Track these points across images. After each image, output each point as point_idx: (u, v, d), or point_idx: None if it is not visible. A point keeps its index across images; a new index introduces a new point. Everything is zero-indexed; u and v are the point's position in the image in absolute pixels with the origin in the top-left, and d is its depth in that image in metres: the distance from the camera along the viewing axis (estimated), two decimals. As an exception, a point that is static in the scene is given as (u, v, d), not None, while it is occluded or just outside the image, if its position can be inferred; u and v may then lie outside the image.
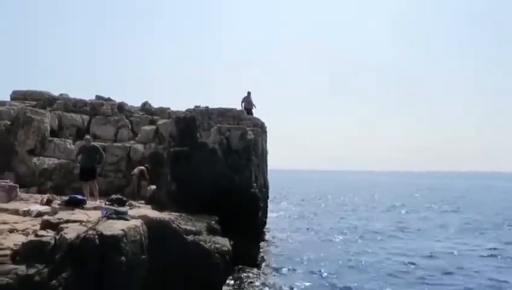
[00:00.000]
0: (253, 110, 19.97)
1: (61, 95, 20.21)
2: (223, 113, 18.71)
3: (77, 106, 18.83)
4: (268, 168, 20.02)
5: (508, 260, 14.81)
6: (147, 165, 15.22)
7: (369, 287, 11.40)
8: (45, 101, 19.12)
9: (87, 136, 12.99)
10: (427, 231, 21.36)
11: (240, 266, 11.88)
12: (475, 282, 12.02)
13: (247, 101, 19.92)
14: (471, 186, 76.80)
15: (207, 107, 19.52)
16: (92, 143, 12.64)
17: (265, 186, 18.69)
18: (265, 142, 19.17)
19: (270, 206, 20.89)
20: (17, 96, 19.78)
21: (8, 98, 19.59)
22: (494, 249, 16.59)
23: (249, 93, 20.08)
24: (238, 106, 19.79)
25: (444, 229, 22.24)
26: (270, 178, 20.74)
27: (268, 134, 19.89)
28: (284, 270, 12.88)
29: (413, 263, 13.98)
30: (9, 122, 15.73)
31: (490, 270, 13.36)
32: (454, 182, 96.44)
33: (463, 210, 32.45)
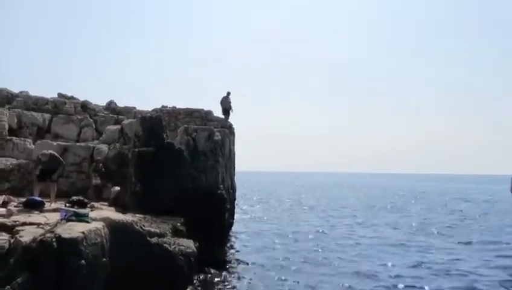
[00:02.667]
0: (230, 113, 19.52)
1: (21, 92, 19.42)
2: (191, 114, 18.55)
3: (38, 104, 18.18)
4: (244, 170, 19.99)
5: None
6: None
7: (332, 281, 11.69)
8: (3, 98, 18.33)
9: (44, 152, 11.70)
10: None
11: (205, 268, 11.76)
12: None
13: (226, 102, 19.50)
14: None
15: (174, 107, 19.29)
16: (50, 152, 11.66)
17: (233, 188, 18.64)
18: (233, 143, 19.12)
19: (242, 208, 20.97)
20: (-27, 93, 18.89)
21: (-37, 95, 18.68)
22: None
23: (228, 93, 19.54)
24: (205, 106, 19.55)
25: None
26: (243, 180, 20.78)
27: (236, 135, 19.85)
28: (250, 272, 12.86)
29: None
30: (-36, 120, 15.00)
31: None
32: (418, 185, 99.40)
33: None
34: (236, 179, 19.88)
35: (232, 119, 19.54)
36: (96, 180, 14.61)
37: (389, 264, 14.27)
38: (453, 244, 18.58)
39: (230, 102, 19.44)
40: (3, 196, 11.56)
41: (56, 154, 11.86)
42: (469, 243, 18.81)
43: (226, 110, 19.34)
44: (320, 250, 16.61)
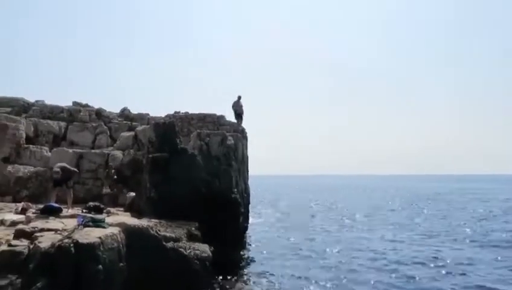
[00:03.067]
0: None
1: (36, 101, 19.82)
2: (203, 119, 18.65)
3: (54, 112, 18.50)
4: (251, 173, 19.96)
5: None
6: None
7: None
8: (20, 107, 18.74)
9: (56, 169, 11.66)
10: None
11: (220, 273, 11.78)
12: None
13: (238, 106, 19.66)
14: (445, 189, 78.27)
15: (187, 112, 19.43)
16: (60, 167, 11.69)
17: (246, 192, 18.65)
18: (246, 147, 19.16)
19: (252, 211, 20.71)
20: (-10, 103, 19.33)
21: (-19, 105, 19.12)
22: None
23: (239, 97, 19.67)
24: (217, 111, 19.68)
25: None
26: (252, 184, 20.69)
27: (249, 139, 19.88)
28: (265, 276, 12.82)
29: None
30: (-18, 130, 15.33)
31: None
32: (433, 185, 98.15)
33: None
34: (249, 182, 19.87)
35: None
36: (106, 189, 14.74)
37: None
38: None
39: (241, 106, 19.57)
40: (22, 203, 11.80)
41: (67, 166, 12.00)
42: None
43: (239, 114, 19.46)
44: (344, 260, 15.00)
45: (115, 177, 14.83)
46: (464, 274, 13.12)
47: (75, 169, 12.40)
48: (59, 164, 12.03)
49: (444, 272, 13.37)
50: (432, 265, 14.31)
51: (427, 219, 28.05)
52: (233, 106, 19.59)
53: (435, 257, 15.41)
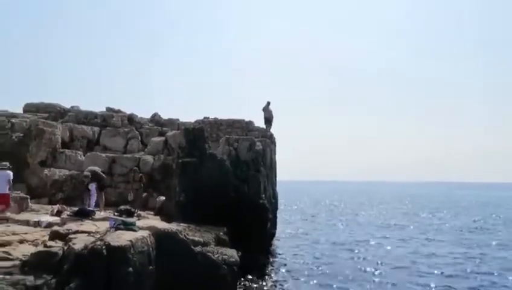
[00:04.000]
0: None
1: (72, 107, 20.54)
2: (232, 124, 18.79)
3: (88, 118, 19.10)
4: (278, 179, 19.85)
5: None
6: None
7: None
8: (57, 113, 19.46)
9: (86, 173, 12.07)
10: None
11: (248, 278, 11.80)
12: None
13: (268, 111, 19.63)
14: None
15: (216, 118, 19.63)
16: (90, 171, 12.17)
17: (274, 197, 18.61)
18: (274, 153, 19.15)
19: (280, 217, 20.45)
20: (29, 108, 20.16)
21: (20, 111, 19.96)
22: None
23: (268, 103, 19.67)
24: (246, 116, 19.77)
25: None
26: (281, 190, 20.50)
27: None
28: (292, 282, 12.76)
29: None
30: (21, 134, 15.99)
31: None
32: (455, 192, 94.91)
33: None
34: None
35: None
36: (131, 197, 14.87)
37: None
38: None
39: (271, 111, 19.58)
40: (57, 205, 12.22)
41: (96, 169, 12.40)
42: None
43: (268, 119, 19.48)
44: (370, 268, 14.82)
45: (142, 182, 15.09)
46: None
47: (103, 174, 12.74)
48: (90, 168, 12.43)
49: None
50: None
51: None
52: (263, 110, 19.58)
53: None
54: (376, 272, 14.09)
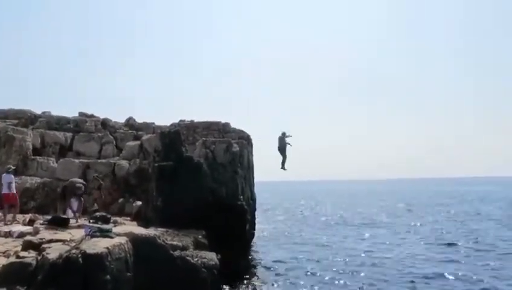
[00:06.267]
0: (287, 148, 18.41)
1: (43, 112, 19.99)
2: (208, 127, 18.68)
3: (60, 123, 18.65)
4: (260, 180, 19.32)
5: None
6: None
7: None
8: (27, 119, 18.90)
9: (79, 185, 12.55)
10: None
11: (227, 280, 11.73)
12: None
13: (283, 141, 17.69)
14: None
15: (192, 121, 19.49)
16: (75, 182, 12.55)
17: (253, 198, 18.61)
18: (251, 154, 19.13)
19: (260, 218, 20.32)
20: (-2, 115, 19.50)
21: (-12, 118, 19.31)
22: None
23: (283, 133, 17.73)
24: (222, 119, 19.45)
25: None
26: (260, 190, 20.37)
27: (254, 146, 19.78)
28: (272, 283, 12.77)
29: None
30: (-10, 142, 15.48)
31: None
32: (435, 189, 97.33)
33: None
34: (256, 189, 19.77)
35: (247, 128, 19.11)
36: (94, 207, 14.42)
37: None
38: None
39: (285, 141, 17.78)
40: (29, 214, 11.89)
41: (77, 181, 12.38)
42: None
43: (282, 149, 17.74)
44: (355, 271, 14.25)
45: (102, 183, 14.54)
46: None
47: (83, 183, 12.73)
48: (78, 180, 12.38)
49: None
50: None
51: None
52: (279, 140, 18.09)
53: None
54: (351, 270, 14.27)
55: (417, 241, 20.47)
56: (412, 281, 12.74)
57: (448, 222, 28.64)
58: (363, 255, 17.00)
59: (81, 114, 20.27)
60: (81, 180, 12.69)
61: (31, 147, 16.24)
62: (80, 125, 18.80)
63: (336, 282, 12.85)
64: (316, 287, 12.24)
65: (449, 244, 19.28)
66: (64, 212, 11.84)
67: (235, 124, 19.60)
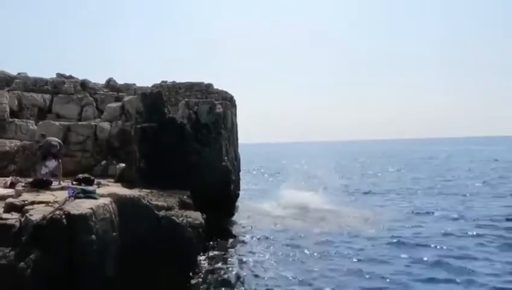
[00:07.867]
0: None
1: (19, 74, 19.32)
2: (191, 88, 18.43)
3: (37, 85, 18.10)
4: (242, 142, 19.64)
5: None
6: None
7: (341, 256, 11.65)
8: (2, 81, 18.28)
9: (54, 143, 11.48)
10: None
11: (213, 239, 11.94)
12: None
13: None
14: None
15: (174, 81, 19.16)
16: (50, 140, 11.51)
17: (237, 159, 18.70)
18: (235, 115, 19.04)
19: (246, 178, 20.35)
20: (-29, 77, 18.80)
21: (-39, 80, 18.60)
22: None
23: None
24: (205, 80, 19.24)
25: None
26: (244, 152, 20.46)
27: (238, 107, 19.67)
28: (258, 242, 13.03)
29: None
30: (-36, 105, 15.00)
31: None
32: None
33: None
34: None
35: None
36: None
37: None
38: None
39: None
40: (10, 177, 11.69)
41: (54, 140, 11.69)
42: None
43: None
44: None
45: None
46: None
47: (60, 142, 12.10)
48: (54, 138, 11.74)
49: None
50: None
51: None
52: None
53: None
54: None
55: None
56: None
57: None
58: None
59: (59, 75, 19.70)
60: (57, 139, 11.83)
61: (8, 109, 15.81)
62: (58, 86, 18.30)
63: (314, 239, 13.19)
64: (297, 247, 12.43)
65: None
66: (36, 173, 11.21)
67: (217, 85, 19.40)
